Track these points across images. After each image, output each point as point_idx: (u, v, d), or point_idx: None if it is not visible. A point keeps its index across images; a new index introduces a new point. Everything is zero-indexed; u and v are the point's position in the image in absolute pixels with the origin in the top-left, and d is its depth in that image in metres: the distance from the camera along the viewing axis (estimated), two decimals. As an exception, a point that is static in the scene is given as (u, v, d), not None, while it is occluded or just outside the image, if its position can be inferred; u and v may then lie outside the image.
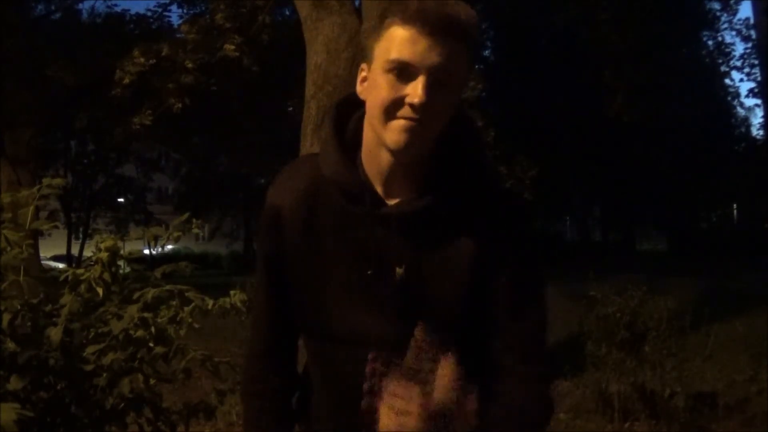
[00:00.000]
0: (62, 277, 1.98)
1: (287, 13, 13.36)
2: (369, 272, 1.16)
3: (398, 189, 1.16)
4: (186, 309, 2.08)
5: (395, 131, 1.09)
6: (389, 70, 1.08)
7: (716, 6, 24.74)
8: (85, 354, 1.93)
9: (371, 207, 1.15)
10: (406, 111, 1.07)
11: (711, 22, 25.92)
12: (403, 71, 1.07)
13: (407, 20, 1.07)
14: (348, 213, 1.17)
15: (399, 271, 1.15)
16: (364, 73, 1.16)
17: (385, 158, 1.14)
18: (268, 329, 1.32)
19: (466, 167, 1.18)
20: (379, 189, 1.17)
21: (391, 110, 1.08)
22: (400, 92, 1.07)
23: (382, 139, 1.11)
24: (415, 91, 1.06)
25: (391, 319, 1.16)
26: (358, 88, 1.17)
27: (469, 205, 1.17)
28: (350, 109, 1.22)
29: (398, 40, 1.08)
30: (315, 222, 1.19)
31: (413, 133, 1.08)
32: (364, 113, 1.18)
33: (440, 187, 1.15)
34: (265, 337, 1.33)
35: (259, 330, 1.34)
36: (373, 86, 1.11)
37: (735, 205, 31.79)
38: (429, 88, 1.06)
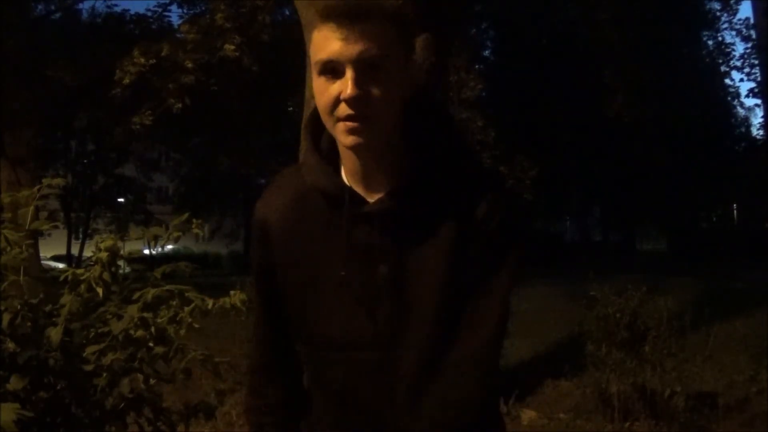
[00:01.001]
0: (62, 277, 1.98)
1: (287, 13, 13.35)
2: (356, 273, 1.16)
3: (380, 184, 1.16)
4: (186, 309, 2.08)
5: (343, 133, 1.09)
6: (320, 73, 1.09)
7: (716, 6, 24.75)
8: (85, 354, 1.93)
9: (352, 207, 1.15)
10: (344, 109, 1.07)
11: (711, 22, 25.91)
12: (332, 70, 1.07)
13: (322, 18, 1.07)
14: (332, 217, 1.17)
15: (383, 269, 1.15)
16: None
17: (355, 158, 1.15)
18: (266, 342, 1.32)
19: (441, 154, 1.17)
20: (360, 189, 1.17)
21: (332, 112, 1.08)
22: (334, 92, 1.07)
23: (338, 141, 1.12)
24: (346, 86, 1.05)
25: (381, 319, 1.16)
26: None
27: (447, 189, 1.16)
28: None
29: (319, 40, 1.08)
30: (302, 230, 1.20)
31: (359, 130, 1.07)
32: None
33: (418, 178, 1.14)
34: (264, 350, 1.33)
35: (258, 343, 1.34)
36: (315, 91, 1.12)
37: (735, 205, 31.76)
38: (359, 80, 1.05)
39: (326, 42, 1.07)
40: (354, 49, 1.05)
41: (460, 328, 1.14)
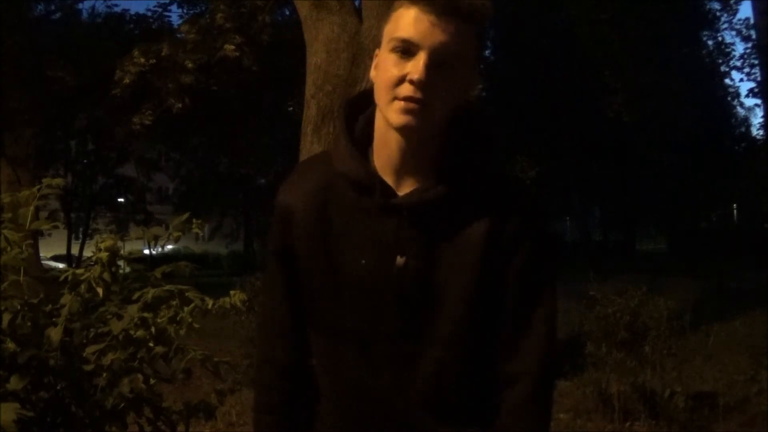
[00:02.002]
0: (62, 277, 1.97)
1: (287, 13, 13.34)
2: (382, 264, 1.15)
3: (410, 179, 1.17)
4: (186, 309, 2.07)
5: (398, 111, 1.09)
6: (393, 49, 1.10)
7: (716, 6, 24.76)
8: (85, 354, 1.93)
9: (382, 198, 1.15)
10: (407, 89, 1.08)
11: (711, 22, 25.91)
12: (406, 50, 1.09)
13: (413, 0, 1.09)
14: (359, 206, 1.17)
15: (400, 260, 1.15)
16: (376, 59, 1.17)
17: (395, 145, 1.15)
18: (281, 333, 1.28)
19: (476, 158, 1.18)
20: (390, 180, 1.17)
21: (394, 88, 1.09)
22: (403, 70, 1.09)
23: (387, 119, 1.12)
24: (416, 68, 1.07)
25: (403, 312, 1.16)
26: (372, 73, 1.18)
27: (480, 195, 1.17)
28: (358, 107, 1.23)
29: (403, 20, 1.10)
30: (327, 218, 1.19)
31: (415, 113, 1.09)
32: (372, 111, 1.19)
33: (451, 177, 1.15)
34: (277, 342, 1.29)
35: (271, 333, 1.30)
36: (380, 67, 1.13)
37: (735, 205, 31.78)
38: (430, 66, 1.07)
39: (413, 22, 1.08)
40: (438, 37, 1.07)
41: (510, 343, 1.18)
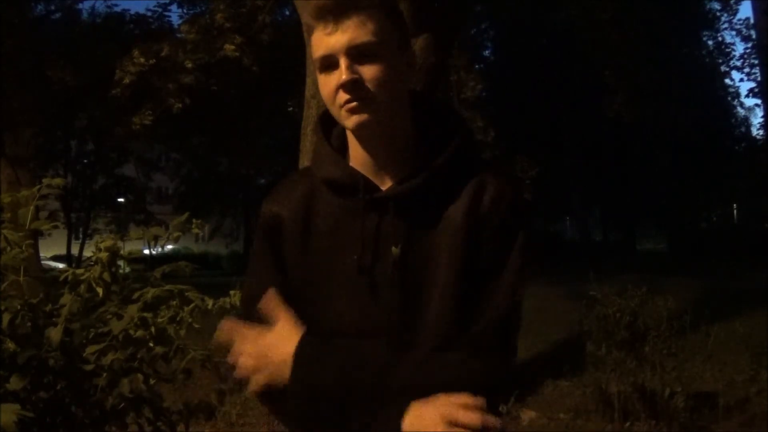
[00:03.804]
0: (62, 277, 1.98)
1: (287, 13, 13.36)
2: (371, 258, 1.17)
3: (388, 174, 1.20)
4: (186, 309, 2.08)
5: (347, 117, 1.15)
6: (320, 70, 1.16)
7: (716, 6, 24.79)
8: (85, 354, 1.93)
9: (365, 194, 1.19)
10: (342, 95, 1.13)
11: (711, 22, 25.95)
12: (329, 65, 1.15)
13: (314, 20, 1.15)
14: (345, 207, 1.20)
15: (395, 251, 1.16)
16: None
17: (365, 145, 1.20)
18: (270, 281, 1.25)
19: (449, 144, 1.21)
20: (370, 178, 1.21)
21: (335, 101, 1.15)
22: (333, 82, 1.14)
23: (346, 128, 1.18)
24: (340, 73, 1.12)
25: (394, 303, 1.17)
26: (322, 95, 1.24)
27: (458, 178, 1.20)
28: (332, 119, 1.26)
29: (315, 41, 1.16)
30: (314, 225, 1.23)
31: (361, 110, 1.13)
32: None
33: (427, 164, 1.18)
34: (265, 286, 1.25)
35: (256, 282, 1.28)
36: (319, 88, 1.19)
37: (735, 205, 31.78)
38: (352, 66, 1.12)
39: (321, 40, 1.15)
40: (343, 39, 1.12)
41: (474, 311, 1.16)
